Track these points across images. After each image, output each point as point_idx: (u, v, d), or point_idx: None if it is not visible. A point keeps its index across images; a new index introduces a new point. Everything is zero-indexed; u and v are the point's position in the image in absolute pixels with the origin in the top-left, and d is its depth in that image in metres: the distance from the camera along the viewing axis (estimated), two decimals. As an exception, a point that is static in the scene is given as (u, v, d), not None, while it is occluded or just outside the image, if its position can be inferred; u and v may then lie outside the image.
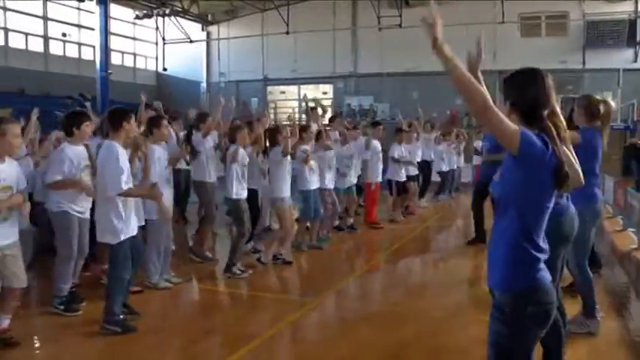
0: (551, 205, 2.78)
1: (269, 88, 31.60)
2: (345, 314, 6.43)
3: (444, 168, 15.88)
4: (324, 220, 9.70)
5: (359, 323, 6.03)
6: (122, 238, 5.55)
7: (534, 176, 2.69)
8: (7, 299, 5.05)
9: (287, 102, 32.14)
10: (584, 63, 24.32)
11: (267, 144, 8.76)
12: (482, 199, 9.62)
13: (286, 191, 8.36)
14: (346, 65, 29.12)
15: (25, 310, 5.99)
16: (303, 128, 9.26)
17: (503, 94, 2.93)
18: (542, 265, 2.78)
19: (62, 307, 5.95)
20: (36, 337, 5.45)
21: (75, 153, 5.97)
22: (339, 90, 30.04)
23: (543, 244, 2.78)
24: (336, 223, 10.68)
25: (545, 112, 2.83)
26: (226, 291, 7.34)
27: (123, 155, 5.61)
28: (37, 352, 5.19)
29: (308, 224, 9.38)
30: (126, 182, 5.50)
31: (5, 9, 25.11)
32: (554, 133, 2.77)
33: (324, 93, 31.09)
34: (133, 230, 5.70)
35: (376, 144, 11.51)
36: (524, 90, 2.87)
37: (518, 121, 2.80)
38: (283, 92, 32.08)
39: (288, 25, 27.89)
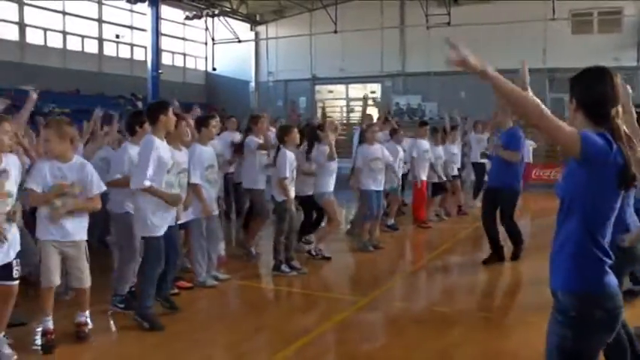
0: (617, 206, 2.73)
1: (317, 87, 31.69)
2: (394, 314, 6.42)
3: None
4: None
5: (407, 323, 6.03)
6: (157, 233, 5.54)
7: (599, 177, 2.64)
8: (80, 297, 5.24)
9: (335, 101, 32.17)
10: (638, 60, 23.73)
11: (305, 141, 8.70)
12: (495, 209, 8.49)
13: (331, 186, 8.35)
14: (394, 64, 28.99)
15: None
16: (367, 128, 9.32)
17: (569, 92, 2.85)
18: (608, 269, 2.71)
19: (122, 305, 6.04)
20: (93, 332, 5.59)
21: (135, 152, 6.05)
22: (387, 89, 29.94)
23: (608, 247, 2.72)
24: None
25: (613, 111, 2.75)
26: (275, 288, 7.41)
27: (160, 149, 5.54)
28: (94, 344, 5.30)
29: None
30: (152, 178, 5.42)
31: (64, 13, 25.79)
32: (622, 132, 2.71)
33: (372, 92, 31.00)
34: (169, 222, 5.71)
35: (422, 143, 11.43)
36: (591, 88, 2.81)
37: (583, 120, 2.77)
38: (331, 91, 32.13)
39: (336, 24, 27.92)
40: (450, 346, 5.31)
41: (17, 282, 4.66)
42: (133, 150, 6.02)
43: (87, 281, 5.21)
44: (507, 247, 8.42)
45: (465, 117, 15.66)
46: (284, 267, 7.73)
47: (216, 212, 7.25)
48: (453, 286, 7.74)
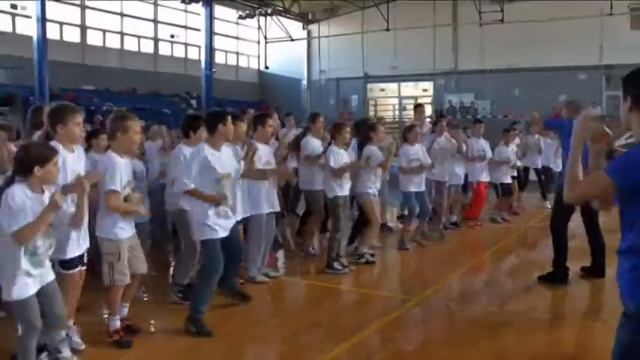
0: None
1: (369, 86, 31.69)
2: (446, 313, 6.38)
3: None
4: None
5: (459, 323, 6.01)
6: (216, 235, 5.47)
7: None
8: (130, 286, 5.20)
9: (387, 99, 32.10)
10: (700, 56, 23.02)
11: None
12: (569, 216, 7.45)
13: (373, 186, 8.27)
14: (447, 62, 28.79)
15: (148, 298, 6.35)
16: (409, 128, 9.24)
17: (622, 90, 2.75)
18: None
19: (180, 296, 6.21)
20: (152, 323, 5.75)
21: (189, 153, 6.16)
22: (440, 87, 29.76)
23: None
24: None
25: None
26: (328, 286, 7.36)
27: (210, 156, 5.47)
28: (151, 339, 5.42)
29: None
30: (189, 181, 5.39)
31: (122, 15, 26.43)
32: None
33: (425, 90, 30.84)
34: (228, 228, 5.62)
35: (478, 142, 11.28)
36: None
37: (639, 120, 2.67)
38: (383, 90, 32.09)
39: (388, 22, 27.86)
40: (504, 348, 5.28)
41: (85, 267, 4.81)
42: (187, 151, 6.11)
43: (145, 267, 5.30)
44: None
45: (519, 116, 15.42)
46: (337, 265, 7.74)
47: (276, 209, 7.27)
48: (507, 286, 7.65)
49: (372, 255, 8.38)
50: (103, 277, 4.98)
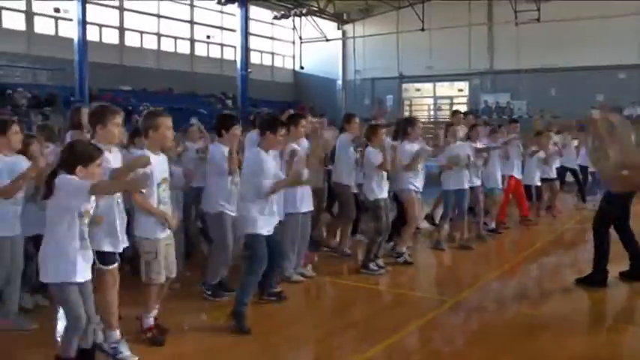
0: None
1: (404, 86, 31.62)
2: (483, 315, 6.31)
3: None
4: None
5: (496, 325, 5.93)
6: (261, 231, 5.58)
7: None
8: (161, 287, 5.24)
9: (422, 99, 31.98)
10: None
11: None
12: (614, 219, 7.21)
13: (414, 183, 8.25)
14: (482, 62, 28.61)
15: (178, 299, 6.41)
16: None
17: None
18: None
19: (209, 293, 6.32)
20: (189, 325, 5.78)
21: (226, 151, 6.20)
22: (475, 87, 29.57)
23: None
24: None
25: None
26: (363, 286, 7.33)
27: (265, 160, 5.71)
28: (187, 332, 5.47)
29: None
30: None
31: (159, 16, 26.80)
32: None
33: (460, 90, 30.66)
34: (272, 225, 5.75)
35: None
36: None
37: None
38: (418, 90, 31.98)
39: (423, 21, 27.80)
40: (540, 351, 5.22)
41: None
42: (217, 149, 6.24)
43: (175, 270, 5.31)
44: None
45: (556, 116, 15.25)
46: (372, 265, 7.72)
47: (311, 209, 7.29)
48: (544, 288, 7.57)
49: (409, 255, 8.36)
50: (141, 275, 5.05)
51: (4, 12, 22.34)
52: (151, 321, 5.16)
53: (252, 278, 5.60)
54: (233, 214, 6.18)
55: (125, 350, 4.66)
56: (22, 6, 22.80)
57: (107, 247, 4.59)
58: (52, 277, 4.01)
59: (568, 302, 6.75)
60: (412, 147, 7.94)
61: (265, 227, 5.62)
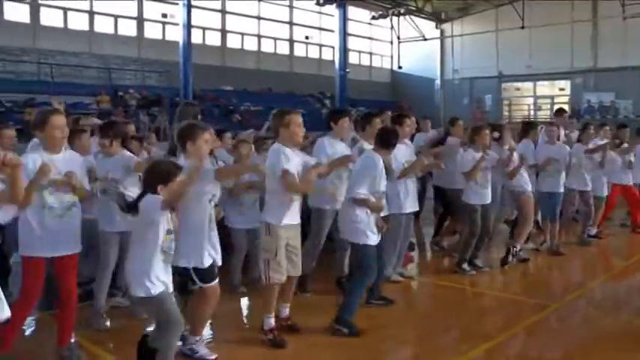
0: None
1: (503, 85, 31.01)
2: (586, 324, 6.11)
3: None
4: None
5: (601, 334, 5.68)
6: (371, 242, 5.59)
7: None
8: (287, 286, 5.31)
9: (521, 99, 31.26)
10: None
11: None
12: None
13: (529, 183, 8.12)
14: (585, 59, 27.65)
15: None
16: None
17: None
18: None
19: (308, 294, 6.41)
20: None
21: (335, 147, 6.27)
22: (577, 86, 28.62)
23: None
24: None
25: None
26: (460, 287, 7.25)
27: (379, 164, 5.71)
28: (294, 336, 5.42)
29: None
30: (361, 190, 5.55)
31: (259, 18, 27.48)
32: None
33: (561, 89, 29.75)
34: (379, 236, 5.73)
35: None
36: None
37: None
38: (518, 89, 31.29)
39: (523, 19, 27.19)
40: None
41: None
42: (329, 144, 6.30)
43: (299, 270, 5.35)
44: None
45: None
46: (465, 265, 7.61)
47: (417, 209, 7.29)
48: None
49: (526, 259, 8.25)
50: (260, 274, 5.12)
51: (119, 20, 23.65)
52: (271, 322, 5.12)
53: (359, 290, 5.60)
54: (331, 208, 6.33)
55: (202, 349, 4.68)
56: (134, 13, 23.99)
57: (204, 262, 4.53)
58: (143, 292, 3.98)
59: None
60: (475, 155, 7.58)
61: (375, 238, 5.62)
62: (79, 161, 4.65)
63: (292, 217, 5.16)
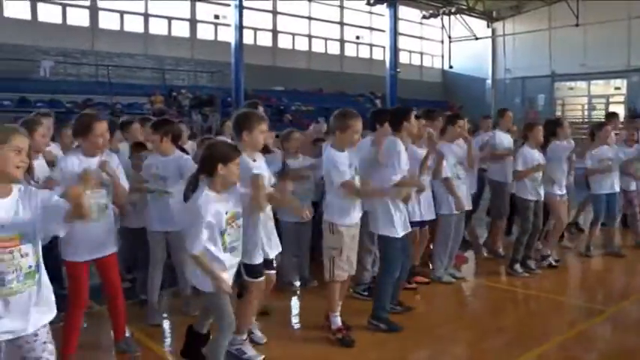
0: None
1: (556, 84, 30.47)
2: None
3: None
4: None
5: None
6: (397, 234, 5.48)
7: None
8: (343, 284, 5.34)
9: (575, 98, 30.68)
10: None
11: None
12: None
13: (563, 187, 7.99)
14: (642, 58, 26.98)
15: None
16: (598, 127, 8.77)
17: None
18: None
19: (366, 294, 6.34)
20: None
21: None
22: (634, 85, 27.93)
23: None
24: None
25: None
26: (512, 289, 7.19)
27: (401, 152, 5.55)
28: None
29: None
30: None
31: (310, 18, 27.68)
32: None
33: (617, 89, 29.10)
34: (407, 228, 5.64)
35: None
36: None
37: None
38: (571, 88, 30.72)
39: (577, 17, 26.68)
40: None
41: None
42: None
43: (354, 269, 5.33)
44: None
45: None
46: (517, 267, 7.53)
47: (469, 208, 7.28)
48: None
49: (557, 260, 8.17)
50: (324, 272, 5.15)
51: (173, 21, 24.17)
52: (338, 320, 5.13)
53: (388, 283, 5.55)
54: None
55: (249, 350, 4.68)
56: (187, 14, 24.46)
57: (255, 260, 4.56)
58: (206, 286, 4.01)
59: None
60: (532, 154, 7.44)
61: (401, 228, 5.52)
62: (115, 162, 4.64)
63: (354, 216, 5.16)
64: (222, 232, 3.99)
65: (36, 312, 2.92)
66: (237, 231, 4.12)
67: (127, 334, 4.88)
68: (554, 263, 8.00)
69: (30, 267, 2.88)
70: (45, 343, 2.91)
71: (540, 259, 7.98)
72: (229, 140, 6.90)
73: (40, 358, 2.87)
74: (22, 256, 2.85)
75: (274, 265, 4.90)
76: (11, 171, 2.85)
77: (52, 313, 3.02)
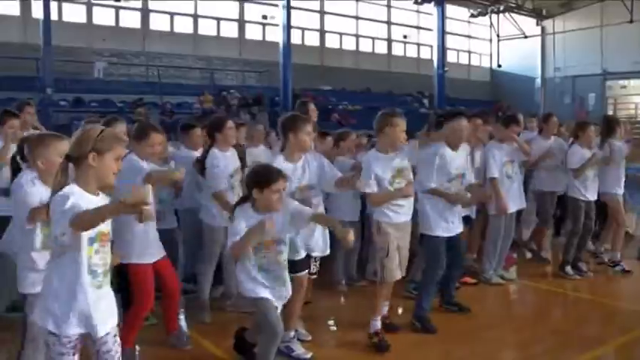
0: None
1: (608, 83, 29.79)
2: None
3: None
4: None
5: None
6: (438, 233, 5.49)
7: None
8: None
9: (628, 97, 29.97)
10: None
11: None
12: None
13: (619, 188, 7.88)
14: (702, 54, 26.18)
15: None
16: None
17: None
18: None
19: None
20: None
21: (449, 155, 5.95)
22: (691, 83, 27.19)
23: None
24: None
25: None
26: (563, 292, 7.14)
27: (447, 156, 5.53)
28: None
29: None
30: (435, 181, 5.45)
31: (357, 18, 27.72)
32: None
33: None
34: (456, 228, 5.64)
35: None
36: None
37: None
38: (624, 87, 29.99)
39: (632, 13, 26.06)
40: None
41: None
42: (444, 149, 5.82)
43: (399, 273, 5.29)
44: None
45: None
46: (568, 269, 7.46)
47: (522, 206, 7.24)
48: None
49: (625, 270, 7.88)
50: (375, 272, 5.22)
51: (221, 22, 24.47)
52: (378, 324, 5.09)
53: (431, 283, 5.55)
54: None
55: (298, 348, 4.71)
56: (236, 15, 24.75)
57: (297, 256, 4.62)
58: (246, 293, 4.07)
59: None
60: (583, 153, 7.32)
61: (443, 228, 5.52)
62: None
63: (402, 215, 5.11)
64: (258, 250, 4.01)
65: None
66: (275, 255, 4.09)
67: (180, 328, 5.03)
68: (626, 269, 7.76)
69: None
70: (115, 336, 3.06)
71: (612, 266, 7.82)
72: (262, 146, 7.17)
73: (111, 350, 3.00)
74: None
75: (313, 265, 4.98)
76: (110, 180, 2.98)
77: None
